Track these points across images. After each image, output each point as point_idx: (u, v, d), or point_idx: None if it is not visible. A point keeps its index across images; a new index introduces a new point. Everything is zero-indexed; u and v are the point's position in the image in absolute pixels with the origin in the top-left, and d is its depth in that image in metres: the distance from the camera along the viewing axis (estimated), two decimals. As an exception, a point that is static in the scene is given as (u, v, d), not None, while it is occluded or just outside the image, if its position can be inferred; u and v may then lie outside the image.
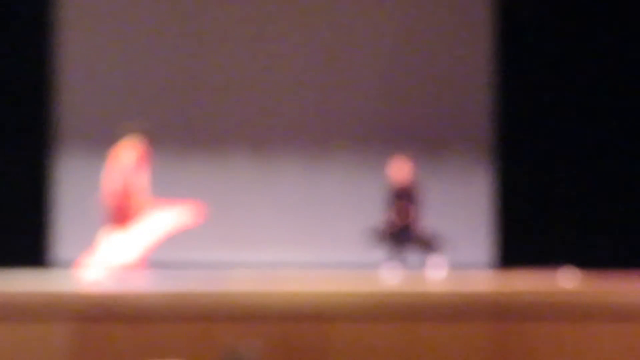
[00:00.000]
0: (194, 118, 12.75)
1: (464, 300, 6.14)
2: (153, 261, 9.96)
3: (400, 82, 12.80)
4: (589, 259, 10.67)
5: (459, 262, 12.06)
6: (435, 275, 10.04)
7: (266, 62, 12.76)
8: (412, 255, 10.59)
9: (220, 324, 6.10)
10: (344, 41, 12.82)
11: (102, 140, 12.61)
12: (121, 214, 8.97)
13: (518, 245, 12.26)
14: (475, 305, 6.09)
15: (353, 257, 10.99)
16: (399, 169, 10.72)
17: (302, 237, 11.80)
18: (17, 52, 12.13)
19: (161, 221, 9.36)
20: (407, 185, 10.68)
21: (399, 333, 6.08)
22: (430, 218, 12.60)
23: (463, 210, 12.71)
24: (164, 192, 12.62)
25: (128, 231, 8.99)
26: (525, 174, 12.57)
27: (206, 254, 12.32)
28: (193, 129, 12.76)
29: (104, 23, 12.67)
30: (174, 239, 12.37)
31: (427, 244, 10.56)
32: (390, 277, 10.06)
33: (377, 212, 11.34)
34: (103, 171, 9.20)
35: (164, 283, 8.64)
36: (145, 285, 8.61)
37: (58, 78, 12.41)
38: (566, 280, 8.94)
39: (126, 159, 8.99)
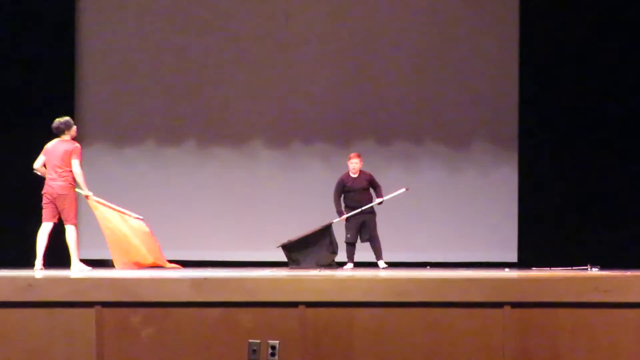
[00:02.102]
0: (213, 115, 12.83)
1: (487, 286, 6.09)
2: (171, 260, 9.99)
3: (424, 80, 12.82)
4: (615, 260, 10.61)
5: (483, 262, 12.05)
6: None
7: (287, 59, 12.82)
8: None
9: (241, 309, 6.07)
10: (369, 36, 12.84)
11: (123, 136, 12.73)
12: (54, 208, 9.01)
13: (541, 246, 12.19)
14: (498, 291, 6.04)
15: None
16: (356, 164, 10.72)
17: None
18: (41, 63, 12.31)
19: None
20: (360, 181, 10.69)
21: (423, 318, 6.04)
22: (454, 218, 12.60)
23: (487, 212, 12.68)
24: (185, 187, 12.70)
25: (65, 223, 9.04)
26: (549, 173, 12.53)
27: (224, 253, 12.35)
28: (213, 126, 12.84)
29: (123, 22, 12.78)
30: (191, 238, 12.40)
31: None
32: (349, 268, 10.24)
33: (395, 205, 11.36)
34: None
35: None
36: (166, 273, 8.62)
37: (80, 80, 12.56)
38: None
39: (58, 153, 9.03)
